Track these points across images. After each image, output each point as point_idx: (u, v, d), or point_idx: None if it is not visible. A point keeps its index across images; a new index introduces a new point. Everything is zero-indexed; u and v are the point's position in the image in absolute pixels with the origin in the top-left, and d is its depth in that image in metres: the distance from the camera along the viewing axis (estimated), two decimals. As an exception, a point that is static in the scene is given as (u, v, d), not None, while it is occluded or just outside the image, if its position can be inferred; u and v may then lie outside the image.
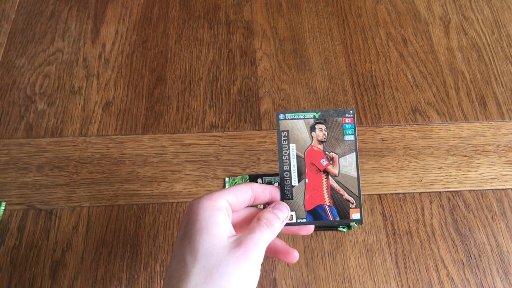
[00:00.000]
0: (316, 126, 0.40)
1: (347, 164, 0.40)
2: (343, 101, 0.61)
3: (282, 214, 0.37)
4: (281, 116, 0.40)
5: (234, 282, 0.32)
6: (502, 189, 0.54)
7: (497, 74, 0.64)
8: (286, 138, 0.40)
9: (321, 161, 0.40)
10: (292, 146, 0.40)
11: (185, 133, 0.58)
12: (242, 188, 0.37)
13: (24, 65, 0.63)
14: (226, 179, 0.54)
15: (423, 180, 0.54)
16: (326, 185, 0.40)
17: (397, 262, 0.49)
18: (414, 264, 0.49)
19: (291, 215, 0.39)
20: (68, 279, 0.48)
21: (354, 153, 0.40)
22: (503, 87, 0.63)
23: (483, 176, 0.55)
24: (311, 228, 0.40)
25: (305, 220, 0.39)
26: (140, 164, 0.55)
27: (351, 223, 0.50)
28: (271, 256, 0.41)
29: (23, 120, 0.58)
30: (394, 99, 0.61)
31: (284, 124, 0.40)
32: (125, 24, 0.67)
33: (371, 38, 0.67)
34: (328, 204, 0.39)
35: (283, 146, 0.39)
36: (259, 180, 0.53)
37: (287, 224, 0.38)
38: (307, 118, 0.40)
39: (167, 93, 0.61)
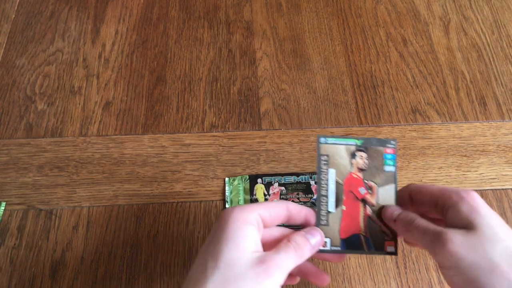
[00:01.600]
0: (357, 154, 0.39)
1: (386, 195, 0.39)
2: (343, 101, 0.61)
3: (314, 240, 0.36)
4: (322, 140, 0.39)
5: None
6: (502, 189, 0.54)
7: (497, 74, 0.64)
8: (326, 162, 0.39)
9: (360, 189, 0.39)
10: (332, 172, 0.39)
11: (185, 133, 0.58)
12: (277, 205, 0.36)
13: (24, 65, 0.63)
14: (226, 179, 0.54)
15: (423, 180, 0.54)
16: (363, 214, 0.39)
17: (397, 262, 0.49)
18: (414, 264, 0.49)
19: (325, 242, 0.38)
20: (68, 279, 0.48)
21: (394, 185, 0.39)
22: (503, 87, 0.63)
23: (483, 176, 0.55)
24: (343, 256, 0.39)
25: (339, 248, 0.38)
26: (140, 164, 0.55)
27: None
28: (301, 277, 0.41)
29: (23, 120, 0.58)
30: (394, 99, 0.61)
31: (325, 148, 0.39)
32: (125, 24, 0.67)
33: (371, 38, 0.67)
34: (364, 234, 0.39)
35: (322, 170, 0.38)
36: (259, 180, 0.53)
37: (320, 251, 0.38)
38: (348, 145, 0.39)
39: (167, 93, 0.61)
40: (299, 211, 0.37)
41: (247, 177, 0.54)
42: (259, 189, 0.53)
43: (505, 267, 0.31)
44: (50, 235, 0.50)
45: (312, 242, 0.36)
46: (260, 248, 0.34)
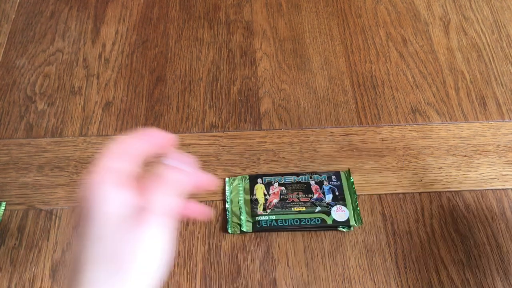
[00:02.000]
0: None
1: None
2: (343, 101, 0.61)
3: (176, 163, 0.32)
4: None
5: (143, 262, 0.28)
6: (502, 189, 0.54)
7: (497, 74, 0.64)
8: None
9: None
10: None
11: (185, 133, 0.58)
12: (133, 146, 0.31)
13: (24, 65, 0.63)
14: (226, 179, 0.54)
15: (423, 180, 0.54)
16: None
17: (397, 262, 0.49)
18: (414, 264, 0.49)
19: None
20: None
21: None
22: (503, 87, 0.63)
23: (483, 176, 0.55)
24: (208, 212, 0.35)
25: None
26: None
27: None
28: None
29: (23, 120, 0.58)
30: (394, 99, 0.61)
31: None
32: (125, 24, 0.67)
33: (371, 38, 0.67)
34: None
35: None
36: (259, 180, 0.53)
37: None
38: None
39: (167, 93, 0.61)
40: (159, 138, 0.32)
41: (247, 177, 0.54)
42: (259, 189, 0.53)
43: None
44: (50, 235, 0.50)
45: (175, 164, 0.31)
46: (130, 199, 0.28)
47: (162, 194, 0.30)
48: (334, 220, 0.50)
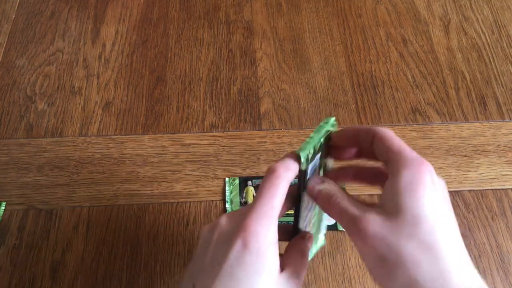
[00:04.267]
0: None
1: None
2: (343, 101, 0.61)
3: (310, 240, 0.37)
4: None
5: None
6: (502, 189, 0.54)
7: (497, 74, 0.64)
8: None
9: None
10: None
11: (185, 133, 0.58)
12: (281, 187, 0.33)
13: (24, 65, 0.63)
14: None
15: (423, 180, 0.54)
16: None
17: (397, 262, 0.49)
18: (414, 264, 0.49)
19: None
20: (68, 279, 0.48)
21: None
22: (503, 87, 0.63)
23: (483, 176, 0.55)
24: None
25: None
26: (140, 164, 0.55)
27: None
28: None
29: (23, 120, 0.58)
30: (394, 99, 0.61)
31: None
32: (125, 24, 0.67)
33: (371, 38, 0.67)
34: None
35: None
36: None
37: None
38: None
39: (167, 93, 0.61)
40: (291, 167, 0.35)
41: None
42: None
43: (409, 262, 0.29)
44: (50, 235, 0.50)
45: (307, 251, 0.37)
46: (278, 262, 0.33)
47: (304, 265, 0.35)
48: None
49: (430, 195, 0.30)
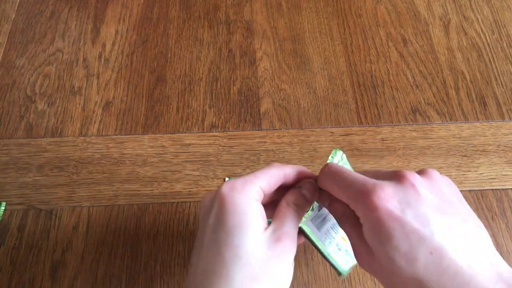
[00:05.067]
0: None
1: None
2: (343, 101, 0.61)
3: (309, 194, 0.35)
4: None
5: (279, 280, 0.31)
6: (502, 189, 0.54)
7: (497, 74, 0.64)
8: None
9: None
10: None
11: (185, 133, 0.58)
12: (275, 174, 0.35)
13: (24, 65, 0.63)
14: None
15: (423, 180, 0.54)
16: None
17: (397, 262, 0.49)
18: (414, 264, 0.49)
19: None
20: (68, 279, 0.48)
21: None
22: (503, 87, 0.63)
23: (483, 176, 0.55)
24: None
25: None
26: (140, 164, 0.55)
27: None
28: None
29: (23, 120, 0.58)
30: (394, 99, 0.61)
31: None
32: (125, 24, 0.67)
33: (371, 38, 0.67)
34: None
35: None
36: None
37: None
38: None
39: (167, 93, 0.61)
40: (294, 173, 0.36)
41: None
42: None
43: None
44: (50, 235, 0.50)
45: (308, 197, 0.35)
46: (266, 220, 0.33)
47: (297, 219, 0.34)
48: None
49: (400, 235, 0.29)
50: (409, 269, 0.28)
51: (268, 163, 0.55)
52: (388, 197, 0.29)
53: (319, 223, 0.39)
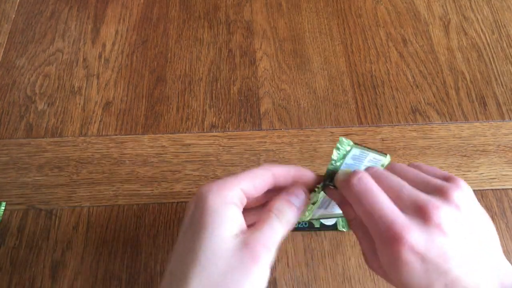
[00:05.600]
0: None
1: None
2: (343, 101, 0.61)
3: (299, 201, 0.32)
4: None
5: None
6: (502, 189, 0.54)
7: (497, 74, 0.64)
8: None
9: None
10: None
11: (185, 133, 0.58)
12: (261, 174, 0.32)
13: (24, 65, 0.63)
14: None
15: (423, 180, 0.54)
16: None
17: (397, 262, 0.49)
18: (414, 264, 0.49)
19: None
20: (68, 279, 0.48)
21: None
22: (503, 87, 0.63)
23: (483, 176, 0.55)
24: None
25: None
26: (140, 164, 0.55)
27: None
28: None
29: (23, 120, 0.58)
30: (394, 99, 0.61)
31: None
32: (125, 24, 0.67)
33: (371, 38, 0.67)
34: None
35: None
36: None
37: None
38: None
39: (167, 93, 0.61)
40: (286, 173, 0.33)
41: None
42: None
43: None
44: (50, 235, 0.50)
45: (297, 204, 0.32)
46: (244, 226, 0.30)
47: (277, 227, 0.30)
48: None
49: (414, 268, 0.29)
50: None
51: (268, 163, 0.55)
52: (414, 243, 0.29)
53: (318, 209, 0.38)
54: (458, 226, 0.30)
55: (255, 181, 0.31)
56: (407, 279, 0.29)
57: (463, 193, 0.31)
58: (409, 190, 0.31)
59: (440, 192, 0.31)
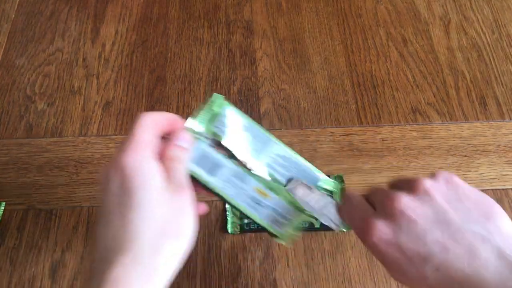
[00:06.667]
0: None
1: None
2: (343, 101, 0.61)
3: (186, 143, 0.36)
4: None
5: (185, 231, 0.32)
6: (502, 189, 0.54)
7: (497, 74, 0.64)
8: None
9: None
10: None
11: (185, 133, 0.58)
12: (153, 121, 0.35)
13: (24, 65, 0.63)
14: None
15: (423, 180, 0.54)
16: None
17: (397, 262, 0.49)
18: (414, 264, 0.49)
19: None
20: (68, 279, 0.48)
21: None
22: (503, 87, 0.62)
23: (483, 176, 0.55)
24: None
25: None
26: (140, 164, 0.55)
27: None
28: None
29: (23, 120, 0.58)
30: (394, 99, 0.61)
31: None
32: (125, 24, 0.67)
33: (371, 38, 0.67)
34: None
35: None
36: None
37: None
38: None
39: (167, 93, 0.61)
40: (165, 119, 0.36)
41: None
42: None
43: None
44: (50, 235, 0.50)
45: (186, 145, 0.36)
46: (165, 174, 0.33)
47: (184, 169, 0.35)
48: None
49: (398, 259, 0.32)
50: (422, 284, 0.31)
51: (268, 163, 0.55)
52: (381, 233, 0.32)
53: (212, 166, 0.39)
54: (425, 209, 0.32)
55: (154, 130, 0.34)
56: (400, 273, 0.32)
57: (433, 181, 0.34)
58: (382, 190, 0.35)
59: (408, 186, 0.34)
